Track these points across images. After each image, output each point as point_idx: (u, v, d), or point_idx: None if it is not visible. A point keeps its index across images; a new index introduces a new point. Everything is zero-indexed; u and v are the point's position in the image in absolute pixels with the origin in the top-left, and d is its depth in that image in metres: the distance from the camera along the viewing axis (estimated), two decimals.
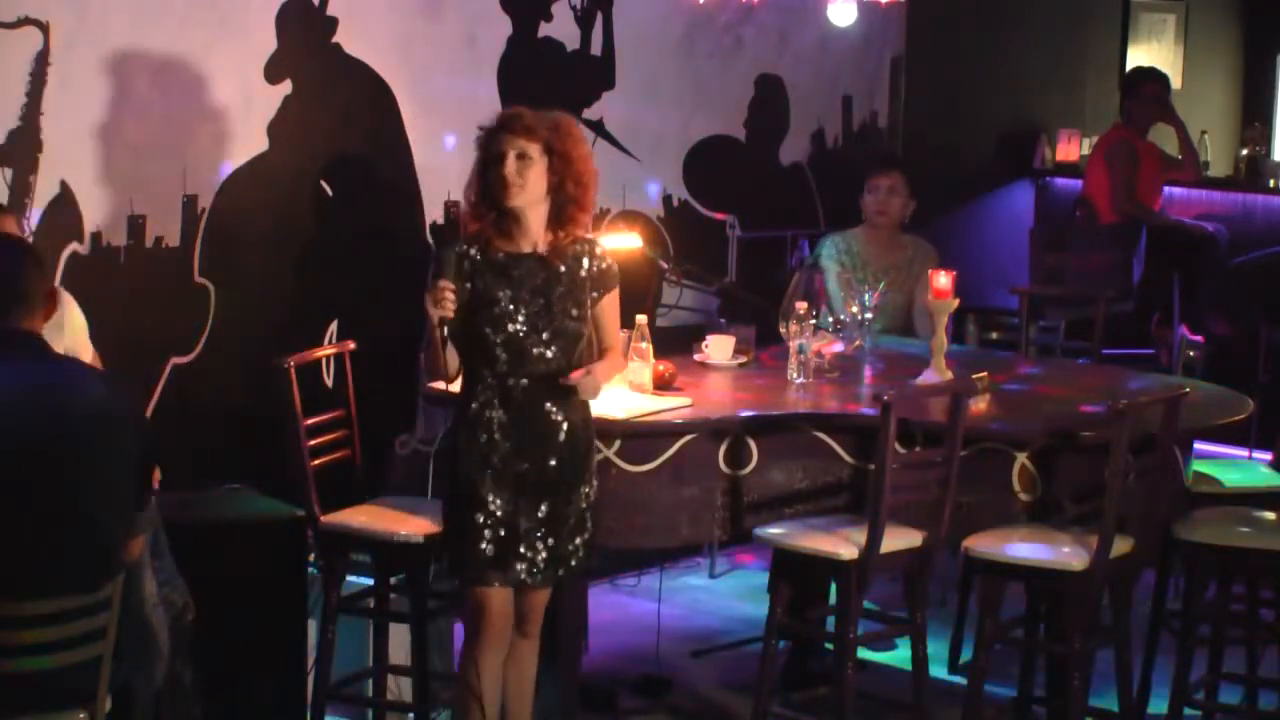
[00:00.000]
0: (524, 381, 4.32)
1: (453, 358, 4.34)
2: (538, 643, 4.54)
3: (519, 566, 4.33)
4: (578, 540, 4.41)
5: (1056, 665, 4.94)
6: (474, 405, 4.33)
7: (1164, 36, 9.75)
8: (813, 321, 5.34)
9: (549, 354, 4.34)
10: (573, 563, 4.42)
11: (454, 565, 4.41)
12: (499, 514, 4.31)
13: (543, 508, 4.34)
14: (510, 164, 4.28)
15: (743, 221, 7.16)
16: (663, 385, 5.10)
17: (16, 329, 3.64)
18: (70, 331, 4.27)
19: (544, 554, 4.35)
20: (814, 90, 7.40)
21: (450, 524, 4.41)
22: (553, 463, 4.35)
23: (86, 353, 4.32)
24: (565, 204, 4.36)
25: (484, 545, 4.31)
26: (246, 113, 5.42)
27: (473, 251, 4.33)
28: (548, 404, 4.34)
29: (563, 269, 4.37)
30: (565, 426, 4.37)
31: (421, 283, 4.30)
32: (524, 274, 4.33)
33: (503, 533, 4.31)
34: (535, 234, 4.36)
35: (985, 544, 4.71)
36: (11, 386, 3.57)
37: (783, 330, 5.39)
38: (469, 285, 4.31)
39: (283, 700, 4.82)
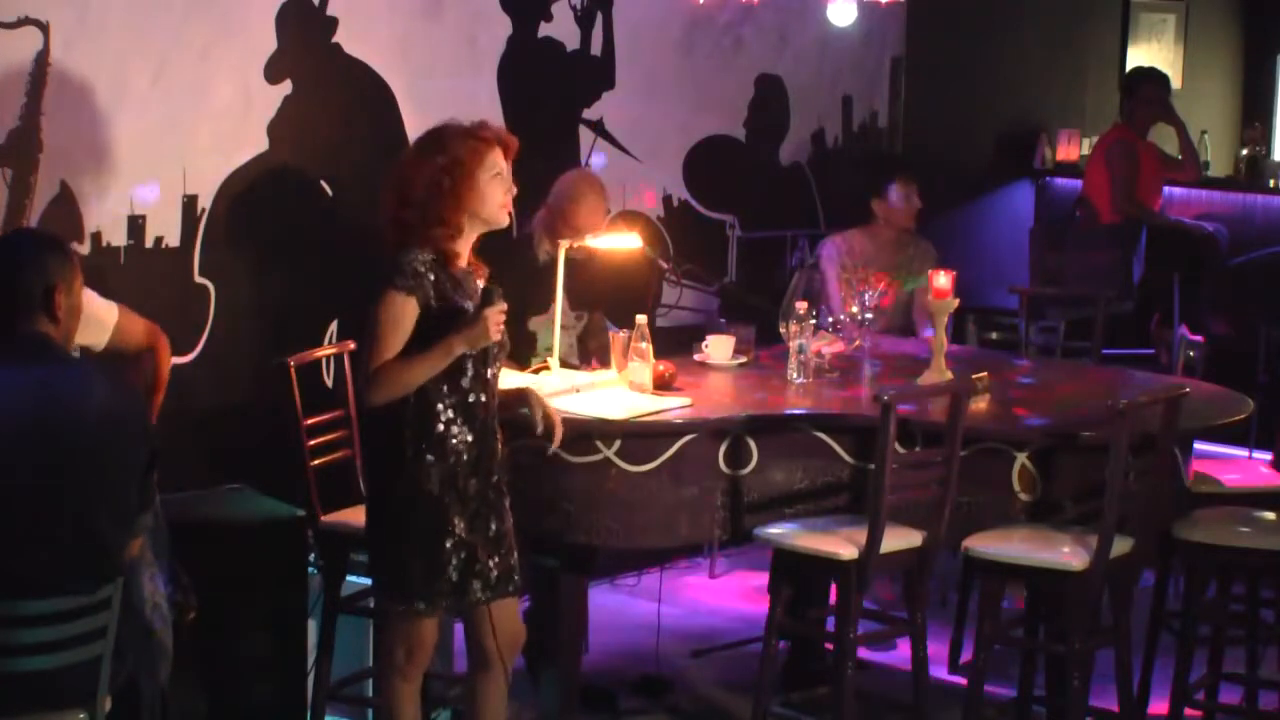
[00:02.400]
0: (482, 398, 4.21)
1: None
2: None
3: (475, 585, 4.20)
4: (515, 556, 4.30)
5: (1056, 665, 4.95)
6: (440, 425, 4.15)
7: (1164, 36, 9.75)
8: (813, 321, 5.34)
9: (495, 371, 4.26)
10: (516, 577, 4.30)
11: (410, 590, 4.18)
12: (463, 537, 4.17)
13: (492, 526, 4.23)
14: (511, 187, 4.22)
15: (743, 222, 7.17)
16: (663, 385, 5.10)
17: (21, 330, 3.62)
18: (98, 325, 4.24)
19: (495, 571, 4.23)
20: (814, 90, 7.40)
21: (405, 548, 4.18)
22: (494, 480, 4.25)
23: (132, 334, 4.30)
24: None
25: (450, 572, 4.17)
26: (246, 113, 5.42)
27: (431, 260, 4.16)
28: (494, 422, 4.26)
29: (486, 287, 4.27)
30: (499, 445, 4.29)
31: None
32: (471, 290, 4.22)
33: (464, 555, 4.18)
34: (469, 252, 4.28)
35: (985, 544, 4.71)
36: (13, 390, 3.56)
37: (783, 330, 5.39)
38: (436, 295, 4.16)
39: (283, 700, 4.82)
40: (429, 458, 4.14)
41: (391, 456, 4.17)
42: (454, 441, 4.16)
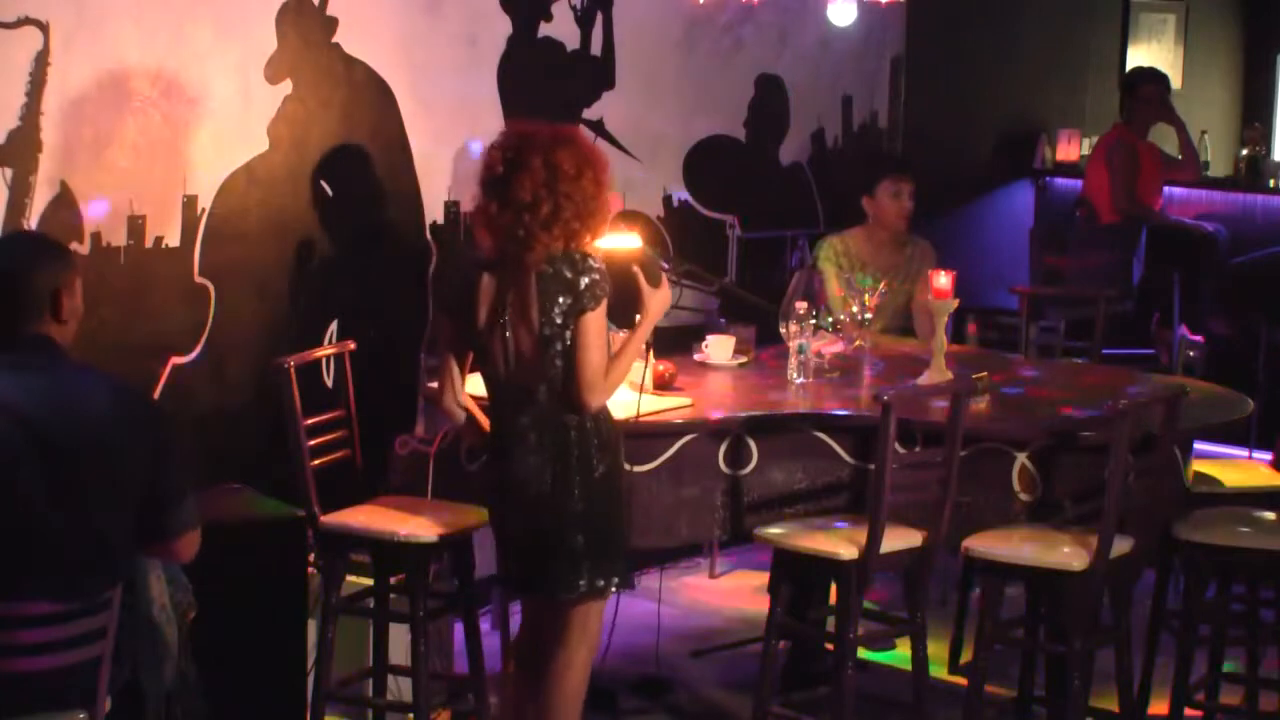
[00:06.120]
0: None
1: None
2: None
3: None
4: None
5: (1056, 665, 4.95)
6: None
7: (1164, 36, 9.76)
8: (813, 321, 5.34)
9: None
10: None
11: (624, 566, 4.50)
12: None
13: None
14: None
15: (743, 221, 7.17)
16: (663, 385, 5.10)
17: (25, 333, 3.60)
18: None
19: None
20: (814, 90, 7.41)
21: (624, 530, 4.46)
22: None
23: None
24: None
25: None
26: (246, 113, 5.42)
27: None
28: None
29: None
30: None
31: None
32: None
33: None
34: None
35: (985, 544, 4.71)
36: (17, 393, 3.54)
37: (783, 330, 5.39)
38: None
39: (283, 700, 4.82)
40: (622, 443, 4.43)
41: (611, 443, 4.34)
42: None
